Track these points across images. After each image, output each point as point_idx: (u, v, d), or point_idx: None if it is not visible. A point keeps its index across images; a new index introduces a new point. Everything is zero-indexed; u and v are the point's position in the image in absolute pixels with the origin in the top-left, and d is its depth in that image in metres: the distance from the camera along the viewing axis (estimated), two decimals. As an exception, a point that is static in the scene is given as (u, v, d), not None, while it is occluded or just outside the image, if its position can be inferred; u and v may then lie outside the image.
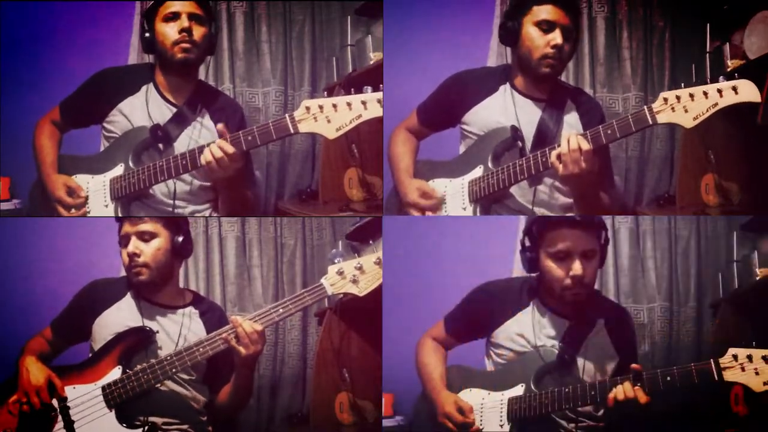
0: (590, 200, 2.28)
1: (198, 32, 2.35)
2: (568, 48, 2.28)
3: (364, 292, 2.17)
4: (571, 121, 2.34)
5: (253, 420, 3.08)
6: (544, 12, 2.25)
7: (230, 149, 2.20)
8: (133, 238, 2.24)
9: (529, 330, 2.26)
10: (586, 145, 2.13)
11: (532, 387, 2.20)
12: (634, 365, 2.07)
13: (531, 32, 2.27)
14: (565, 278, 2.17)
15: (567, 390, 2.15)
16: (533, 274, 2.32)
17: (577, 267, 2.15)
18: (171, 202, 2.40)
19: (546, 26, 2.25)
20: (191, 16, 2.34)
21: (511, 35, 2.31)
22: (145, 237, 2.25)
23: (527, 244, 2.25)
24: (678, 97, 2.07)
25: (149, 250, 2.24)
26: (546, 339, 2.24)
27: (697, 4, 3.04)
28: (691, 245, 3.12)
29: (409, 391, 2.47)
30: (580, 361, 2.21)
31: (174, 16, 2.34)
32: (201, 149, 2.24)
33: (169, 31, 2.34)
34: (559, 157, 2.15)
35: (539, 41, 2.26)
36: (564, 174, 2.15)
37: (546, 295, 2.27)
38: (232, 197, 2.42)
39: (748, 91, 2.02)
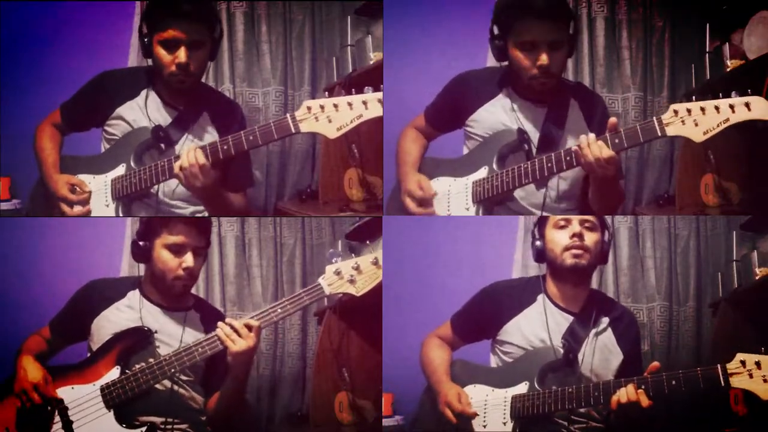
0: (611, 187, 2.27)
1: (196, 61, 2.31)
2: (559, 58, 2.24)
3: (361, 292, 2.17)
4: (575, 119, 2.33)
5: (252, 420, 3.08)
6: (526, 32, 2.21)
7: (202, 159, 2.20)
8: (190, 253, 2.22)
9: (536, 326, 2.26)
10: (607, 153, 2.12)
11: (536, 385, 2.20)
12: (654, 363, 2.07)
13: (517, 54, 2.24)
14: (564, 239, 2.23)
15: (570, 390, 2.15)
16: (538, 275, 2.33)
17: (576, 227, 2.22)
18: (169, 201, 2.40)
19: (530, 47, 2.22)
20: (190, 45, 2.28)
21: (501, 53, 2.29)
22: (199, 251, 2.24)
23: (536, 235, 2.30)
24: (689, 110, 2.04)
25: (199, 265, 2.25)
26: (552, 334, 2.25)
27: (696, 4, 3.04)
28: (690, 245, 3.12)
29: (409, 391, 2.47)
30: (584, 358, 2.21)
31: (173, 45, 2.28)
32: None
33: (165, 59, 2.29)
34: (587, 164, 2.14)
35: (526, 62, 2.23)
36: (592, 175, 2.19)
37: (556, 280, 2.28)
38: (212, 207, 2.41)
39: (760, 108, 2.00)
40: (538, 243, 2.29)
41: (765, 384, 1.95)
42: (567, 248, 2.22)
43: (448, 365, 2.35)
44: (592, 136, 2.14)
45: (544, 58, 2.20)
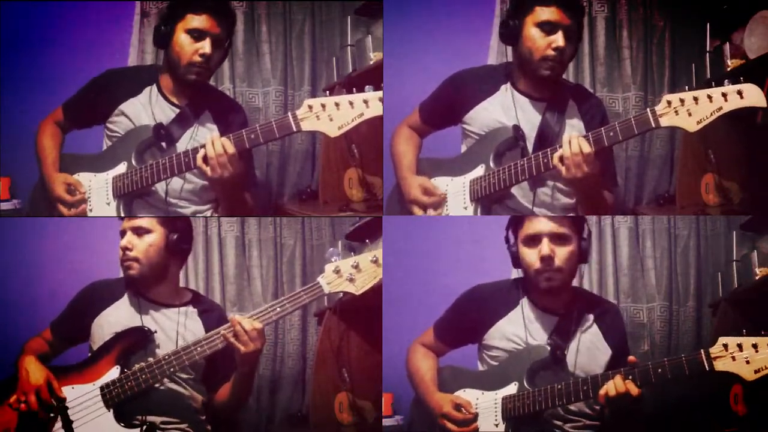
0: (594, 200, 2.28)
1: (216, 57, 2.35)
2: (569, 49, 2.27)
3: (360, 291, 2.18)
4: (573, 121, 2.34)
5: (252, 420, 3.08)
6: (547, 13, 2.24)
7: (231, 149, 2.20)
8: (129, 233, 2.25)
9: (520, 329, 2.26)
10: (587, 148, 2.13)
11: (525, 385, 2.20)
12: (630, 357, 2.08)
13: (532, 33, 2.26)
14: (535, 262, 2.19)
15: (559, 387, 2.15)
16: (521, 275, 2.33)
17: (545, 248, 2.17)
18: (173, 201, 2.41)
19: (548, 27, 2.24)
20: (215, 41, 2.32)
21: (512, 34, 2.29)
22: (139, 232, 2.26)
23: (510, 240, 2.28)
24: (682, 100, 2.06)
25: (141, 245, 2.25)
26: (537, 336, 2.25)
27: (697, 4, 3.04)
28: (690, 245, 3.12)
29: (409, 391, 2.47)
30: (572, 357, 2.21)
31: (199, 36, 2.31)
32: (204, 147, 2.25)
33: (189, 48, 2.32)
34: (561, 159, 2.15)
35: (540, 42, 2.25)
36: (567, 176, 2.16)
37: (534, 292, 2.28)
38: (230, 202, 2.42)
39: (753, 95, 2.01)
40: (513, 249, 2.26)
41: (748, 365, 1.98)
42: (539, 272, 2.20)
43: (434, 374, 2.35)
44: (575, 133, 2.16)
45: (560, 40, 2.23)
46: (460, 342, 2.40)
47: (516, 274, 3.00)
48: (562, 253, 2.19)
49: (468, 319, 2.34)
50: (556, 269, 2.19)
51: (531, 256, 2.21)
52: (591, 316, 2.27)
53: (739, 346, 1.99)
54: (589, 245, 2.26)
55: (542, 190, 2.33)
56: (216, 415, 2.30)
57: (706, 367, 2.01)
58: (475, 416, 2.23)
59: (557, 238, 2.19)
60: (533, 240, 2.20)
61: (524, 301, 2.29)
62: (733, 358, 1.99)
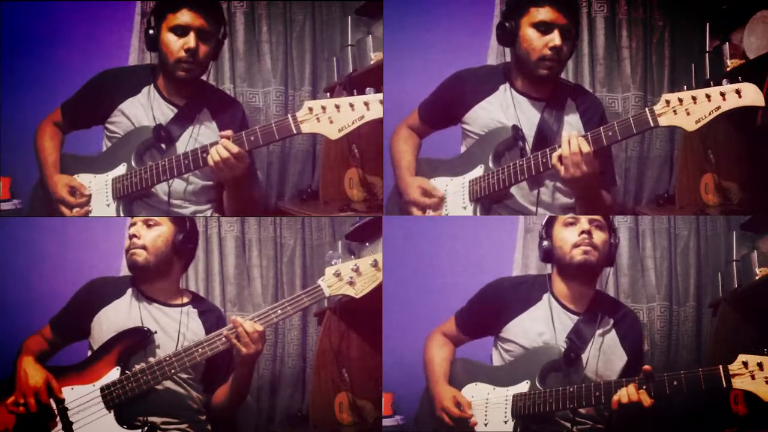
0: (592, 200, 2.28)
1: (203, 50, 2.34)
2: (567, 48, 2.27)
3: (360, 294, 2.18)
4: (572, 120, 2.34)
5: (252, 420, 3.07)
6: (542, 13, 2.24)
7: (235, 149, 2.21)
8: (139, 223, 2.28)
9: (540, 326, 2.27)
10: (586, 147, 2.13)
11: (537, 384, 2.20)
12: (645, 366, 2.08)
13: (529, 33, 2.26)
14: (574, 238, 2.23)
15: (571, 389, 2.15)
16: (528, 273, 2.33)
17: (584, 224, 2.23)
18: (174, 201, 2.40)
19: (544, 27, 2.24)
20: (199, 34, 2.32)
21: (508, 36, 2.30)
22: (150, 223, 2.28)
23: (543, 235, 2.31)
24: (680, 100, 2.06)
25: (150, 235, 2.27)
26: (555, 335, 2.25)
27: (696, 4, 3.04)
28: (690, 245, 3.12)
29: (409, 391, 2.47)
30: (588, 359, 2.21)
31: (182, 31, 2.31)
32: (204, 149, 2.25)
33: (174, 45, 2.32)
34: (560, 158, 2.15)
35: (537, 43, 2.25)
36: (565, 176, 2.16)
37: (562, 279, 2.28)
38: (239, 198, 2.42)
39: (751, 95, 2.00)
40: (545, 243, 2.29)
41: (767, 386, 1.95)
42: (576, 245, 2.23)
43: (447, 366, 2.35)
44: (575, 132, 2.17)
45: (557, 39, 2.23)
46: (479, 332, 2.41)
47: (517, 272, 3.03)
48: (598, 236, 2.24)
49: (489, 310, 2.35)
50: (594, 244, 2.22)
51: (570, 233, 2.24)
52: (611, 320, 2.27)
53: (760, 365, 1.95)
54: (616, 250, 2.29)
55: (541, 190, 2.33)
56: (213, 416, 2.30)
57: (724, 383, 1.98)
58: (471, 416, 2.24)
59: (595, 223, 2.24)
60: (573, 222, 2.25)
61: (547, 297, 2.30)
62: (753, 377, 1.96)
